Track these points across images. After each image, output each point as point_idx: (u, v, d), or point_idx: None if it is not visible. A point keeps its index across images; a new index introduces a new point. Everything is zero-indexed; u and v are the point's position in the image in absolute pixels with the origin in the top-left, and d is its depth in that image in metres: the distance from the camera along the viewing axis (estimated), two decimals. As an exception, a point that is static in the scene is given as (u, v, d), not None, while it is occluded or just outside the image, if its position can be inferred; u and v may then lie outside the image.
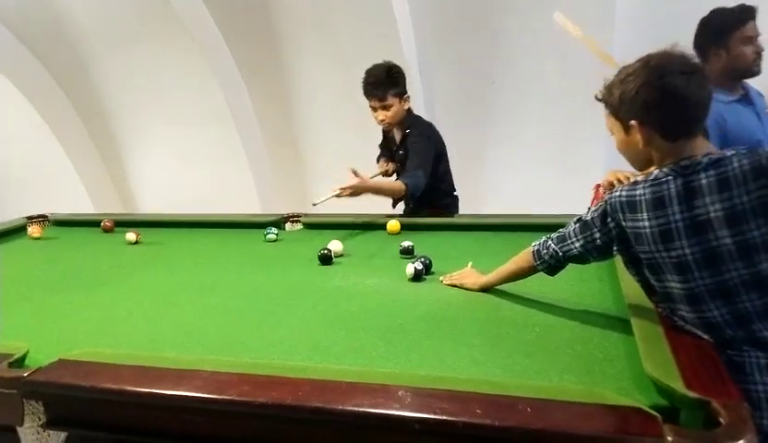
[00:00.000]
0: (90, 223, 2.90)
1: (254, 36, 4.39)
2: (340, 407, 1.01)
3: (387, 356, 1.29)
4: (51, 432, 1.22)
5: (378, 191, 2.50)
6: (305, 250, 2.22)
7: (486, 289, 1.70)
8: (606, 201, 1.34)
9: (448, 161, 2.75)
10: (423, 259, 1.87)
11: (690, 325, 1.27)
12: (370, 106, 2.62)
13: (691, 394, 0.98)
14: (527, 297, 1.64)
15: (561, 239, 1.46)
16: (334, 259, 2.08)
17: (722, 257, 1.21)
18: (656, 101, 1.24)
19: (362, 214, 2.60)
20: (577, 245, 1.41)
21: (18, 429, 1.22)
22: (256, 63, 4.50)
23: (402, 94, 2.60)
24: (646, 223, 1.26)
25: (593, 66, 3.63)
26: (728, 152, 1.22)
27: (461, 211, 2.82)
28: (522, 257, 1.59)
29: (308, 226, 2.66)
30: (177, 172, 4.92)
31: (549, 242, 1.50)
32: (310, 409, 1.02)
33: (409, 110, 2.66)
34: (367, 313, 1.57)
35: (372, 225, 2.52)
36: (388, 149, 2.87)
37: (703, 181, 1.22)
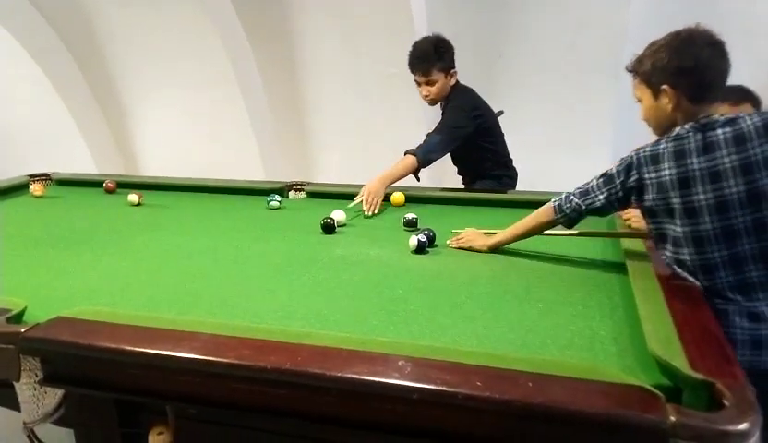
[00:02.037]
0: (93, 183, 2.88)
1: (261, 1, 4.31)
2: (339, 374, 0.99)
3: (387, 326, 1.28)
4: (48, 389, 1.22)
5: (395, 177, 2.42)
6: (307, 219, 2.20)
7: (497, 248, 1.78)
8: (631, 156, 1.49)
9: (497, 134, 2.67)
10: (426, 232, 1.85)
11: (687, 269, 1.44)
12: (415, 80, 2.55)
13: (695, 375, 0.96)
14: (530, 273, 1.63)
15: (584, 193, 1.59)
16: (337, 229, 2.06)
17: (732, 204, 1.37)
18: (687, 67, 1.41)
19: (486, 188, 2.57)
20: (600, 197, 1.54)
21: (16, 385, 1.22)
22: (262, 27, 4.41)
23: (448, 69, 2.51)
24: (667, 172, 1.42)
25: (603, 45, 3.59)
26: (741, 114, 1.42)
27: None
28: (541, 212, 1.69)
29: (312, 195, 2.63)
30: (181, 135, 4.88)
31: (572, 196, 1.61)
32: (309, 375, 1.01)
33: (456, 83, 2.57)
34: (369, 283, 1.56)
35: (384, 195, 2.48)
36: None
37: (720, 136, 1.39)
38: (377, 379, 0.98)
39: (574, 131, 4.19)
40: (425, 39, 2.55)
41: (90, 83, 4.90)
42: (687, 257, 1.44)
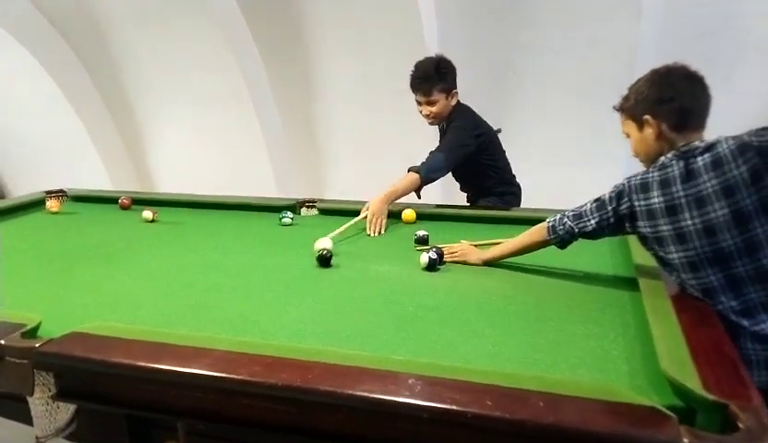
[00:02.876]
0: (108, 200, 2.92)
1: (274, 18, 4.37)
2: (349, 392, 1.00)
3: (398, 343, 1.28)
4: (60, 404, 1.23)
5: (398, 195, 2.43)
6: (319, 235, 2.21)
7: (490, 264, 1.83)
8: (623, 183, 1.53)
9: (498, 151, 2.68)
10: (436, 249, 1.85)
11: (695, 293, 1.45)
12: (416, 100, 2.57)
13: (709, 396, 0.95)
14: (542, 290, 1.62)
15: (577, 216, 1.62)
16: (344, 249, 2.06)
17: (719, 227, 1.39)
18: (666, 96, 1.49)
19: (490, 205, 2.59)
20: (592, 221, 1.58)
21: (29, 399, 1.23)
22: (275, 43, 4.47)
23: (449, 90, 2.53)
24: (656, 200, 1.46)
25: (613, 60, 3.59)
26: (719, 138, 1.45)
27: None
28: (535, 232, 1.74)
29: (324, 212, 2.65)
30: (195, 152, 4.93)
31: (565, 219, 1.65)
32: (320, 392, 1.01)
33: (457, 103, 2.59)
34: (380, 300, 1.56)
35: (387, 213, 2.49)
36: None
37: (700, 162, 1.43)
38: (387, 397, 0.98)
39: (585, 146, 4.19)
40: (427, 59, 2.57)
41: (106, 100, 4.98)
42: (687, 281, 1.46)
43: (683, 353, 1.12)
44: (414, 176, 2.43)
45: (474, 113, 2.65)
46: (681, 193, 1.42)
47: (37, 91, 4.76)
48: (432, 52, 4.05)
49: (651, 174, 1.48)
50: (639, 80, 1.57)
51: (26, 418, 1.30)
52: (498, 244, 1.89)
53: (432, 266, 1.79)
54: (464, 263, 1.86)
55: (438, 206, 2.66)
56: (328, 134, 4.78)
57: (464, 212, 2.53)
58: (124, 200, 2.78)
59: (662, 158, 1.49)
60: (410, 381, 1.01)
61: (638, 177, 1.51)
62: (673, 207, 1.43)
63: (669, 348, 1.14)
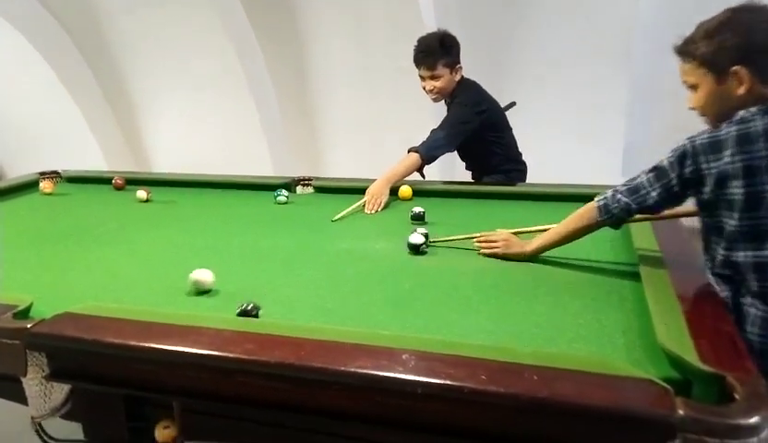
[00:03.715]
0: (102, 180, 2.90)
1: (270, 1, 4.31)
2: (342, 368, 0.99)
3: (393, 320, 1.27)
4: (55, 384, 1.22)
5: (399, 176, 2.40)
6: (315, 213, 2.20)
7: (536, 256, 1.62)
8: (685, 144, 1.33)
9: (504, 128, 2.65)
10: (420, 231, 1.77)
11: (738, 271, 1.30)
12: (419, 75, 2.52)
13: (705, 368, 0.94)
14: (539, 267, 1.61)
15: (633, 190, 1.42)
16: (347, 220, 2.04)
17: None
18: (763, 44, 1.27)
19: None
20: (653, 193, 1.38)
21: (23, 380, 1.22)
22: (270, 24, 4.41)
23: (453, 64, 2.49)
24: (730, 159, 1.25)
25: (613, 34, 3.54)
26: None
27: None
28: (584, 214, 1.53)
29: (319, 190, 2.63)
30: (191, 133, 4.89)
31: (618, 195, 1.44)
32: (313, 369, 1.00)
33: (462, 79, 2.55)
34: (375, 277, 1.55)
35: (388, 194, 2.47)
36: None
37: None
38: (381, 373, 0.97)
39: (586, 121, 4.15)
40: (430, 34, 2.53)
41: (101, 82, 4.93)
42: (741, 256, 1.29)
43: (680, 326, 1.11)
44: (415, 156, 2.40)
45: (479, 88, 2.60)
46: (765, 152, 1.23)
47: (33, 77, 4.70)
48: (430, 29, 4.02)
49: (725, 131, 1.27)
50: (713, 22, 1.31)
51: (22, 398, 1.29)
52: (540, 231, 1.69)
53: (416, 248, 1.72)
54: (505, 257, 1.64)
55: (435, 182, 2.64)
56: (324, 112, 4.74)
57: (461, 188, 2.51)
58: (117, 180, 2.76)
59: (741, 112, 1.28)
60: (404, 356, 1.01)
61: (704, 136, 1.30)
62: (752, 168, 1.24)
63: (666, 322, 1.13)
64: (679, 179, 1.34)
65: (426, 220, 2.04)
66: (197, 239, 1.94)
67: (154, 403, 1.29)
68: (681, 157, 1.33)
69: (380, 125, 4.42)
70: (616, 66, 3.91)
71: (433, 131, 2.47)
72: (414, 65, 2.52)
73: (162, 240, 1.95)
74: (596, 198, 1.51)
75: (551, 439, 0.92)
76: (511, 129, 2.69)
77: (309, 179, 2.66)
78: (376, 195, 2.28)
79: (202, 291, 1.46)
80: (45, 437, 1.30)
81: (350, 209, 2.19)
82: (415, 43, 2.50)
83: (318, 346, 1.05)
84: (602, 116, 3.97)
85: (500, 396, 0.89)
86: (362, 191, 2.44)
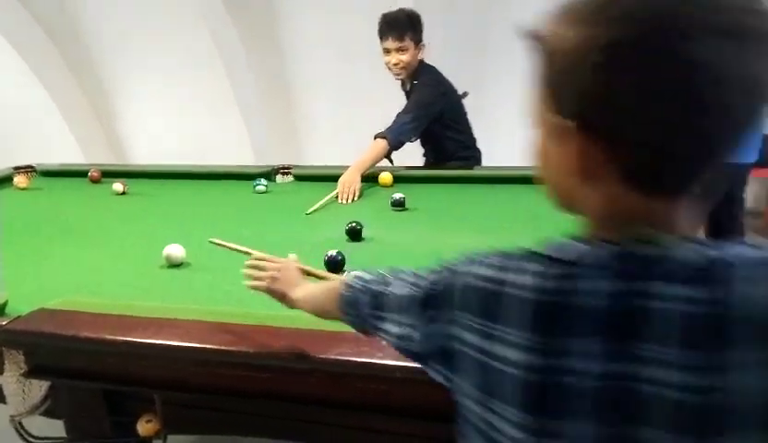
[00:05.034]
0: (78, 174, 2.85)
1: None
2: (322, 356, 0.99)
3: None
4: (33, 381, 1.21)
5: (368, 164, 2.39)
6: (293, 202, 2.19)
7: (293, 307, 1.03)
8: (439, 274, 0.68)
9: (462, 115, 2.66)
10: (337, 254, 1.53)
11: None
12: (384, 48, 2.49)
13: None
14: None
15: (377, 304, 0.79)
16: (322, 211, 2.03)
17: None
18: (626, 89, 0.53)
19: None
20: (392, 329, 0.74)
21: (0, 377, 1.21)
22: (245, 5, 4.35)
23: (418, 41, 2.49)
24: (510, 353, 0.55)
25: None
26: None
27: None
28: (332, 296, 0.88)
29: (299, 178, 2.62)
30: (169, 122, 4.83)
31: (365, 295, 0.81)
32: (292, 357, 1.00)
33: (422, 61, 2.55)
34: (355, 264, 1.54)
35: (364, 177, 2.47)
36: None
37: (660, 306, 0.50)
38: (359, 360, 0.97)
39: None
40: (398, 9, 2.52)
41: (75, 73, 4.83)
42: None
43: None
44: (382, 142, 2.40)
45: (438, 71, 2.60)
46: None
47: (3, 68, 4.60)
48: (408, 5, 3.99)
49: (512, 278, 0.57)
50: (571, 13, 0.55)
51: (1, 397, 1.28)
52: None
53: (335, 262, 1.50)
54: (268, 292, 1.06)
55: (416, 167, 2.64)
56: (304, 97, 4.69)
57: (445, 174, 2.50)
58: (93, 174, 2.72)
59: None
60: (383, 342, 1.01)
61: (478, 272, 0.61)
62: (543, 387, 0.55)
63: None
64: (423, 336, 0.69)
65: (406, 206, 2.05)
66: (174, 231, 1.92)
67: (136, 397, 1.29)
68: (424, 300, 0.69)
69: (359, 107, 4.39)
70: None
71: (399, 115, 2.47)
72: (379, 38, 2.49)
73: (138, 233, 1.93)
74: (345, 277, 1.00)
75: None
76: (467, 116, 2.69)
77: (289, 168, 2.65)
78: (348, 184, 2.27)
79: (175, 264, 1.57)
80: (26, 436, 1.30)
81: (323, 200, 2.17)
82: (380, 17, 2.49)
83: (297, 335, 1.06)
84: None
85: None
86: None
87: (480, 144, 2.76)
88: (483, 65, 4.22)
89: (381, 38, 2.48)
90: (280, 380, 1.04)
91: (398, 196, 2.07)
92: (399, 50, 2.46)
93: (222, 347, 1.05)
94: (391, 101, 4.08)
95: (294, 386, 1.04)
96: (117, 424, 1.29)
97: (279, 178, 2.63)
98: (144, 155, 5.04)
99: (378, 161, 2.44)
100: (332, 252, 1.51)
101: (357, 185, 2.29)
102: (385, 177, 2.40)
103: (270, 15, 4.38)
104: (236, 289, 1.40)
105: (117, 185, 2.44)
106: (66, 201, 2.44)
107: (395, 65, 2.50)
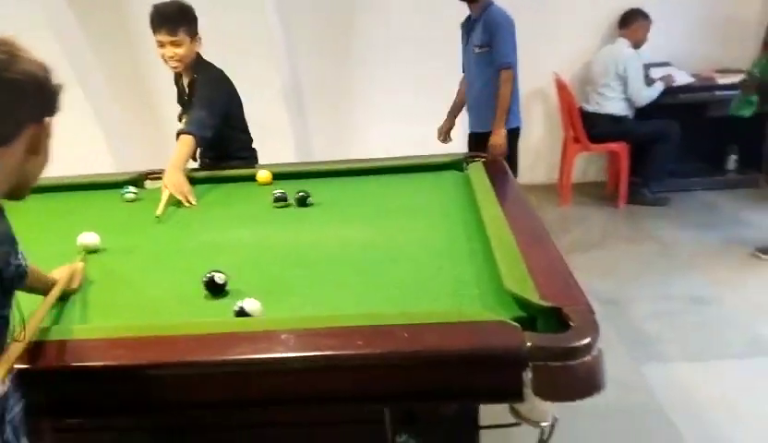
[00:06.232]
0: None
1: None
2: (221, 358, 1.00)
3: (267, 305, 1.28)
4: None
5: (184, 161, 2.34)
6: (171, 207, 2.11)
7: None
8: None
9: (243, 113, 2.68)
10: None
11: None
12: (158, 41, 2.43)
13: (544, 303, 1.10)
14: (394, 235, 1.70)
15: None
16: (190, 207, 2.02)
17: None
18: None
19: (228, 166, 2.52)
20: None
21: None
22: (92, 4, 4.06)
23: (193, 34, 2.46)
24: None
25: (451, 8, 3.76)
26: None
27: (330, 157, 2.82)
28: None
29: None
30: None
31: None
32: (190, 363, 1.00)
33: (198, 55, 2.53)
34: (242, 265, 1.54)
35: (243, 177, 2.44)
36: (181, 100, 2.71)
37: None
38: (259, 356, 1.00)
39: (431, 97, 4.36)
40: (169, 2, 2.45)
41: None
42: None
43: (522, 270, 1.26)
44: (190, 138, 2.37)
45: (219, 69, 2.59)
46: None
47: None
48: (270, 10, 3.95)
49: None
50: None
51: None
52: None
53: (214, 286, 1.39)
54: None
55: (296, 164, 2.65)
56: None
57: (318, 169, 2.53)
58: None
59: None
60: (282, 337, 1.04)
61: None
62: None
63: (510, 268, 1.28)
64: None
65: (288, 200, 2.06)
66: (37, 249, 1.77)
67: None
68: None
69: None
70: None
71: (193, 111, 2.45)
72: (152, 30, 2.43)
73: None
74: None
75: (429, 388, 1.02)
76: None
77: (160, 172, 2.53)
78: (178, 186, 2.19)
79: (90, 250, 1.68)
80: None
81: (163, 202, 2.09)
82: (151, 9, 2.43)
83: (193, 340, 1.05)
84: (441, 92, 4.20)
85: (376, 357, 0.97)
86: (223, 179, 2.42)
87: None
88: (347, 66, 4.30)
89: (154, 31, 2.43)
90: (181, 387, 1.03)
91: (279, 192, 2.07)
92: (173, 43, 2.42)
93: (115, 363, 1.02)
94: (262, 94, 4.03)
95: (198, 391, 1.03)
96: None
97: (149, 184, 2.50)
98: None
99: (190, 156, 2.43)
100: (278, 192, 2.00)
101: (186, 184, 2.22)
102: (264, 176, 2.38)
103: (117, 12, 4.13)
104: (121, 302, 1.35)
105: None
106: None
107: (171, 58, 2.46)
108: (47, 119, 0.98)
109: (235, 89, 2.60)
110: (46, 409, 1.05)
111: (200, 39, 2.48)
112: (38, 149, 0.98)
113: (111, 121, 4.33)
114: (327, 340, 1.01)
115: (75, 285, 1.40)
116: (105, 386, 1.04)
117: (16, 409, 0.89)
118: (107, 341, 1.07)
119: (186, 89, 2.59)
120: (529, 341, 0.98)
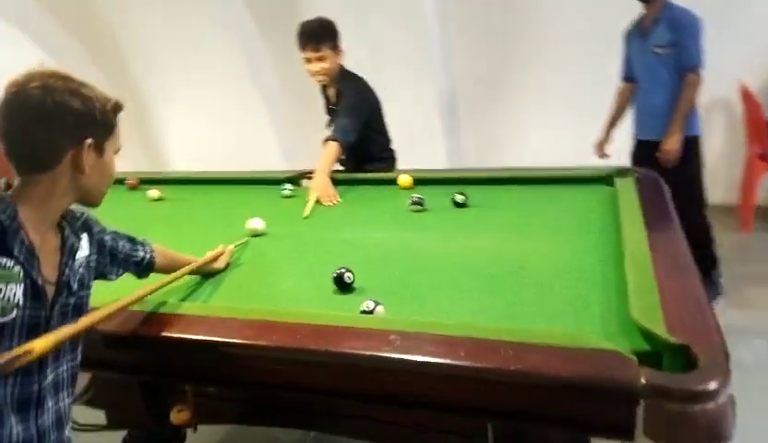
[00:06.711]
0: (116, 181, 3.00)
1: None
2: (333, 349, 1.07)
3: (387, 305, 1.34)
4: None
5: (330, 167, 2.50)
6: (318, 206, 2.28)
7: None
8: None
9: (383, 116, 2.78)
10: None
11: None
12: (304, 58, 2.60)
13: (671, 339, 1.01)
14: (525, 247, 1.67)
15: None
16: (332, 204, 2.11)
17: None
18: None
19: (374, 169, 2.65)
20: None
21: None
22: (272, 14, 4.47)
23: (336, 48, 2.59)
24: None
25: (620, 8, 3.54)
26: None
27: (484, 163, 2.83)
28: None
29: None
30: (202, 130, 5.00)
31: None
32: (306, 351, 1.09)
33: (341, 66, 2.65)
34: (371, 264, 1.62)
35: (385, 180, 2.55)
36: (327, 109, 2.87)
37: None
38: (368, 353, 1.05)
39: (593, 99, 4.15)
40: (312, 19, 2.60)
41: (110, 80, 5.05)
42: None
43: (654, 301, 1.17)
44: (335, 145, 2.51)
45: (360, 77, 2.70)
46: None
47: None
48: (430, 17, 4.05)
49: None
50: None
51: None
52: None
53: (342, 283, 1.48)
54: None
55: (433, 170, 2.70)
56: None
57: (463, 175, 2.56)
58: (131, 181, 2.87)
59: None
60: (391, 337, 1.08)
61: None
62: None
63: (641, 297, 1.19)
64: None
65: (424, 206, 2.10)
66: (203, 234, 2.04)
67: (169, 389, 1.40)
68: None
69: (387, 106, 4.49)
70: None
71: (338, 119, 2.58)
72: (299, 48, 2.58)
73: (171, 237, 2.03)
74: None
75: (532, 410, 1.00)
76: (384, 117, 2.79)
77: (313, 172, 2.74)
78: (324, 190, 2.36)
79: (257, 234, 1.93)
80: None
81: (310, 204, 2.26)
82: (298, 27, 2.58)
83: (311, 330, 1.14)
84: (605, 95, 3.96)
85: (475, 370, 0.97)
86: (364, 182, 2.52)
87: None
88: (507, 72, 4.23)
89: (300, 48, 2.58)
90: (295, 372, 1.12)
91: (416, 196, 2.12)
92: (318, 59, 2.56)
93: (243, 341, 1.14)
94: (410, 106, 4.14)
95: (310, 378, 1.12)
96: (154, 413, 1.41)
97: (305, 182, 2.71)
98: (180, 164, 5.23)
99: (336, 162, 2.58)
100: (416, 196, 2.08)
101: (332, 188, 2.40)
102: (405, 180, 2.46)
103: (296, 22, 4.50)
104: (263, 288, 1.51)
105: (153, 192, 2.58)
106: (103, 207, 2.56)
107: (317, 72, 2.60)
108: (88, 141, 1.05)
109: (376, 96, 2.74)
110: (186, 375, 1.22)
111: (342, 52, 2.64)
112: (82, 168, 1.05)
113: (283, 121, 4.76)
114: (430, 346, 1.03)
115: (220, 265, 1.61)
116: (235, 360, 1.17)
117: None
118: (240, 322, 1.20)
119: (332, 99, 2.77)
120: (643, 376, 0.91)
